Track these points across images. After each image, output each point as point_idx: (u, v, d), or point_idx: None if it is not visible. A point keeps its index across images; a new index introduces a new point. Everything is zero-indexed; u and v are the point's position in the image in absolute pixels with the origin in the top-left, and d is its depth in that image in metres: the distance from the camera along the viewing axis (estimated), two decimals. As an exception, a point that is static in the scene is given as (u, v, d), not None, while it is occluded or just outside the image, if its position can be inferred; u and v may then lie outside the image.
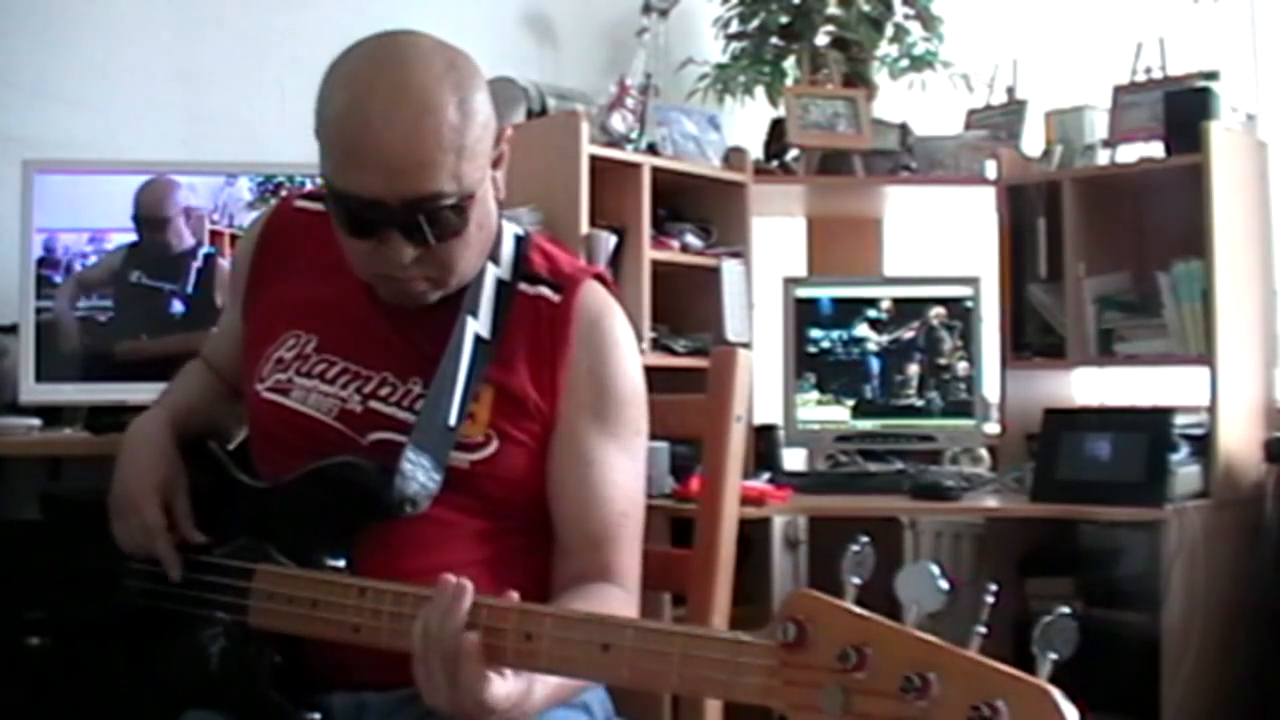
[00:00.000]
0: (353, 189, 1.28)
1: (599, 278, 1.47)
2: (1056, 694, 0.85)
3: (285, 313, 1.47)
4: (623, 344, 1.43)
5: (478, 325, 1.38)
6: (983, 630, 0.91)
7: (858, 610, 0.93)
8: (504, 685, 1.12)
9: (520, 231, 1.49)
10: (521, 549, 1.41)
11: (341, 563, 1.30)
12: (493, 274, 1.42)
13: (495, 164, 1.38)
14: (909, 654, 0.89)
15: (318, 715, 1.30)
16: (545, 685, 1.19)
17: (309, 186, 2.34)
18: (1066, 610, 0.90)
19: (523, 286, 1.43)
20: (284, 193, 2.34)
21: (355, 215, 1.30)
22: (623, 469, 1.41)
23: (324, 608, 1.23)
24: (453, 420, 1.34)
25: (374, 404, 1.39)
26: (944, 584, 0.93)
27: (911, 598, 0.93)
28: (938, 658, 0.89)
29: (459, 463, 1.35)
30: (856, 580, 0.96)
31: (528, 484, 1.39)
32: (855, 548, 0.97)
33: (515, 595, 1.14)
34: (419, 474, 1.31)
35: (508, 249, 1.45)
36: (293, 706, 1.29)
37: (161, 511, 1.40)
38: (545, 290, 1.43)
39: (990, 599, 0.93)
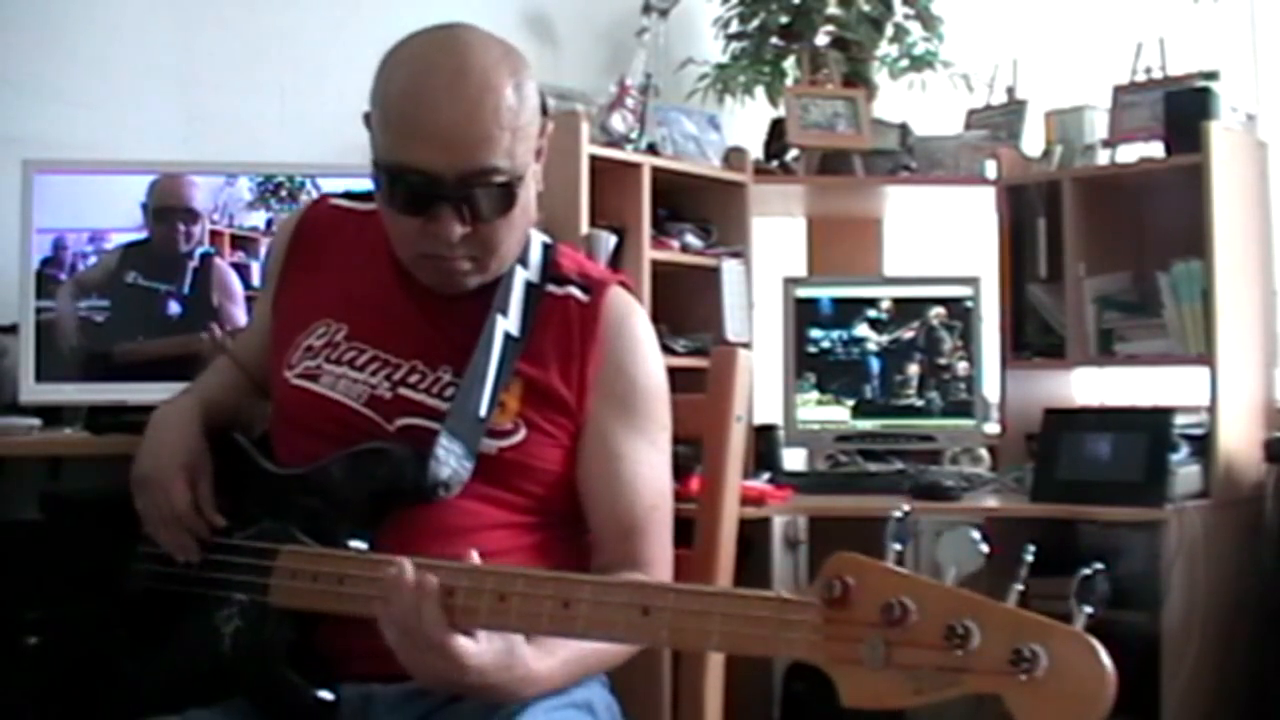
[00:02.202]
0: (410, 162, 1.32)
1: (623, 284, 1.52)
2: (1094, 641, 0.89)
3: (316, 302, 1.50)
4: (647, 343, 1.49)
5: (507, 324, 1.42)
6: (1020, 588, 0.95)
7: (899, 569, 0.97)
8: (474, 645, 1.16)
9: (547, 239, 1.54)
10: (556, 543, 1.43)
11: (364, 545, 1.32)
12: (522, 276, 1.46)
13: (537, 156, 1.43)
14: (950, 607, 0.93)
15: (331, 695, 1.31)
16: (538, 658, 1.22)
17: (308, 186, 2.34)
18: (1101, 565, 0.94)
19: (551, 288, 1.47)
20: (284, 193, 2.35)
21: (409, 189, 1.33)
22: (650, 463, 1.45)
23: (352, 583, 1.25)
24: (483, 411, 1.37)
25: (404, 390, 1.41)
26: (984, 547, 0.98)
27: (951, 559, 0.98)
28: (977, 609, 0.93)
29: (487, 449, 1.38)
30: (898, 546, 1.00)
31: (555, 476, 1.42)
32: (898, 514, 1.01)
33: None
34: (451, 459, 1.34)
35: (536, 254, 1.50)
36: (307, 684, 1.30)
37: (188, 490, 1.41)
38: (575, 291, 1.47)
39: (1029, 558, 0.97)
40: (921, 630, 0.94)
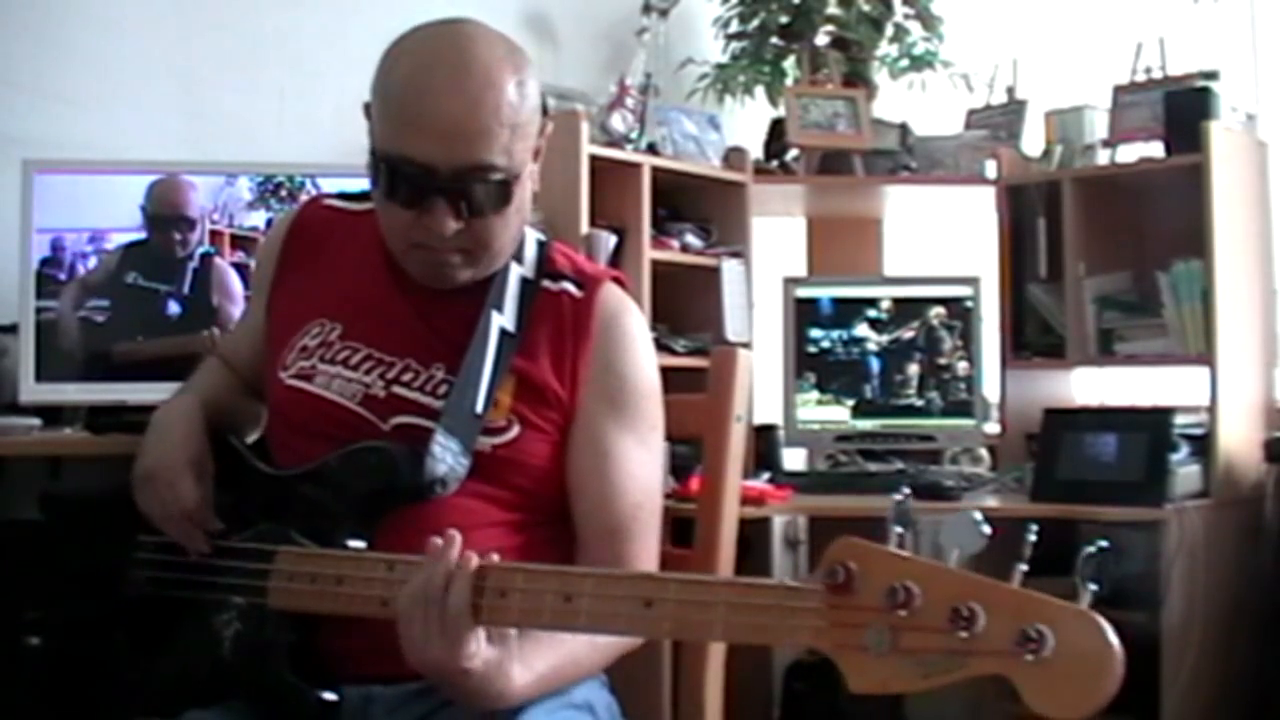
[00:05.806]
0: (407, 153, 1.32)
1: (617, 280, 1.51)
2: (1101, 620, 0.88)
3: (310, 302, 1.49)
4: (640, 341, 1.48)
5: (503, 319, 1.42)
6: (1024, 567, 0.94)
7: (902, 553, 0.96)
8: (478, 645, 1.16)
9: (542, 236, 1.54)
10: (544, 542, 1.43)
11: (362, 544, 1.32)
12: (517, 272, 1.46)
13: (535, 156, 1.43)
14: (954, 590, 0.92)
15: (333, 695, 1.30)
16: (521, 674, 1.22)
17: (308, 186, 2.34)
18: (1105, 543, 0.94)
19: (546, 284, 1.47)
20: (284, 193, 2.35)
21: (405, 180, 1.33)
22: (639, 461, 1.44)
23: (350, 583, 1.24)
24: (479, 408, 1.37)
25: (397, 389, 1.41)
26: (986, 529, 0.96)
27: (954, 542, 0.96)
28: (982, 591, 0.92)
29: (481, 446, 1.38)
30: (900, 530, 0.98)
31: (548, 472, 1.42)
32: (899, 498, 1.00)
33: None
34: (448, 456, 1.34)
35: (531, 250, 1.50)
36: (308, 686, 1.30)
37: (197, 484, 1.41)
38: (569, 286, 1.47)
39: (1032, 538, 0.96)
40: (926, 614, 0.93)
